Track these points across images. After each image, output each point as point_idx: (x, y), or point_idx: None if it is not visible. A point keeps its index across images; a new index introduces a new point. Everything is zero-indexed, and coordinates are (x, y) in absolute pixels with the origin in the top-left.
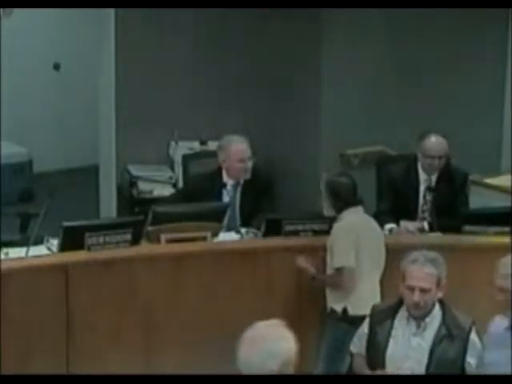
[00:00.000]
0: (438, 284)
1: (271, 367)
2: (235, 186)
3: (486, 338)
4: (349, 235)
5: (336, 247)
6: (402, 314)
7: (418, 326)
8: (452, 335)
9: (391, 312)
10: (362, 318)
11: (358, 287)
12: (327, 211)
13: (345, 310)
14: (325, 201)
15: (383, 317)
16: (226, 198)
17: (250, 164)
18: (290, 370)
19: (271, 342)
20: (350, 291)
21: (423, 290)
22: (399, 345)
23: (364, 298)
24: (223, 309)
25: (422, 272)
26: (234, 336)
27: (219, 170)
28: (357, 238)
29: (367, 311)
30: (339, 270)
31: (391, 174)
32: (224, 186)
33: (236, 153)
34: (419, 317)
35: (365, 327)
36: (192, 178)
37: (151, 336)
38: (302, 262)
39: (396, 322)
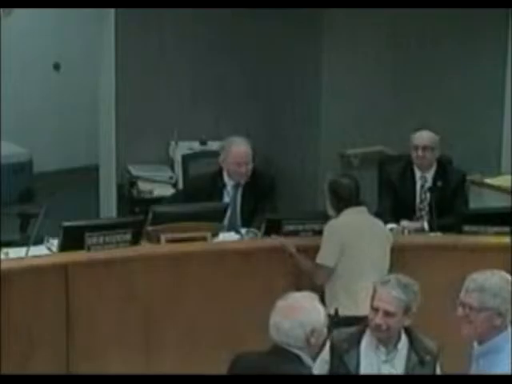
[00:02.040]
0: (406, 311)
1: (299, 335)
2: (236, 187)
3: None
4: (335, 234)
5: (322, 243)
6: (369, 340)
7: (388, 353)
8: (423, 361)
9: (355, 339)
10: (352, 319)
11: (350, 287)
12: (330, 211)
13: (336, 311)
14: (327, 201)
15: (348, 345)
16: (226, 199)
17: (247, 168)
18: (317, 340)
19: (303, 313)
20: (338, 291)
21: (387, 314)
22: (368, 374)
23: (356, 298)
24: (223, 309)
25: (389, 295)
26: (234, 335)
27: (220, 171)
28: (348, 238)
29: (359, 312)
30: (318, 266)
31: (389, 174)
32: (224, 186)
33: (234, 155)
34: (387, 342)
35: (325, 355)
36: (193, 178)
37: (151, 336)
38: (283, 240)
39: (362, 350)
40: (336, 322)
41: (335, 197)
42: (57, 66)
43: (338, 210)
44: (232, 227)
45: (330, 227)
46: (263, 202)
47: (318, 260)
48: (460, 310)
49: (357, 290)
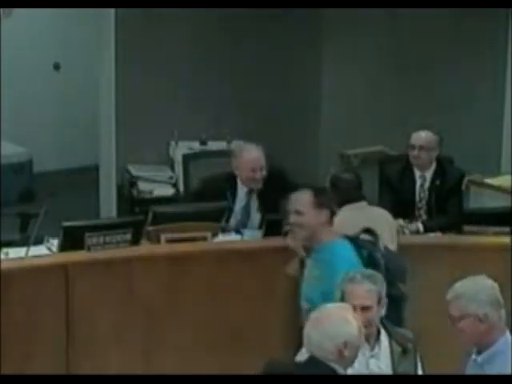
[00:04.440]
0: (379, 301)
1: (328, 347)
2: (249, 193)
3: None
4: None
5: None
6: None
7: (372, 348)
8: (406, 349)
9: None
10: None
11: None
12: None
13: None
14: None
15: None
16: (239, 205)
17: (261, 173)
18: (351, 352)
19: (332, 325)
20: None
21: (365, 308)
22: (357, 371)
23: None
24: (223, 309)
25: (361, 290)
26: (234, 335)
27: (234, 175)
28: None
29: None
30: None
31: (389, 173)
32: (236, 192)
33: (247, 162)
34: (369, 337)
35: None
36: (207, 178)
37: (151, 336)
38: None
39: None
40: None
41: (335, 191)
42: (57, 66)
43: (337, 204)
44: (239, 229)
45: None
46: (280, 202)
47: None
48: (450, 322)
49: None
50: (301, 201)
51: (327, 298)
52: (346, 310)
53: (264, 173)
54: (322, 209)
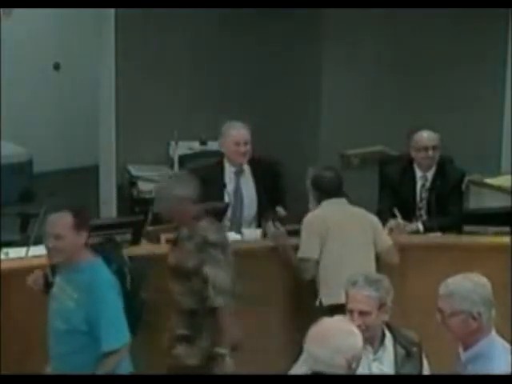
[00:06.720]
0: (381, 307)
1: (339, 362)
2: (237, 174)
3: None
4: (313, 226)
5: (301, 238)
6: None
7: (376, 352)
8: (410, 353)
9: None
10: (334, 307)
11: (333, 277)
12: (311, 204)
13: (320, 302)
14: (310, 196)
15: None
16: (230, 186)
17: (246, 148)
18: (357, 364)
19: (339, 338)
20: (321, 282)
21: (362, 313)
22: (359, 374)
23: (339, 287)
24: None
25: (360, 295)
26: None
27: (221, 159)
28: (326, 229)
29: (341, 300)
30: (303, 261)
31: (390, 173)
32: (224, 175)
33: (233, 136)
34: (372, 340)
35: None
36: (194, 171)
37: (151, 336)
38: (276, 232)
39: None
40: (322, 311)
41: (317, 190)
42: (57, 66)
43: (318, 201)
44: (235, 217)
45: (307, 221)
46: (274, 191)
47: (301, 254)
48: (438, 317)
49: (339, 278)
50: (60, 224)
51: (94, 325)
52: (347, 322)
53: (249, 148)
54: (81, 230)
